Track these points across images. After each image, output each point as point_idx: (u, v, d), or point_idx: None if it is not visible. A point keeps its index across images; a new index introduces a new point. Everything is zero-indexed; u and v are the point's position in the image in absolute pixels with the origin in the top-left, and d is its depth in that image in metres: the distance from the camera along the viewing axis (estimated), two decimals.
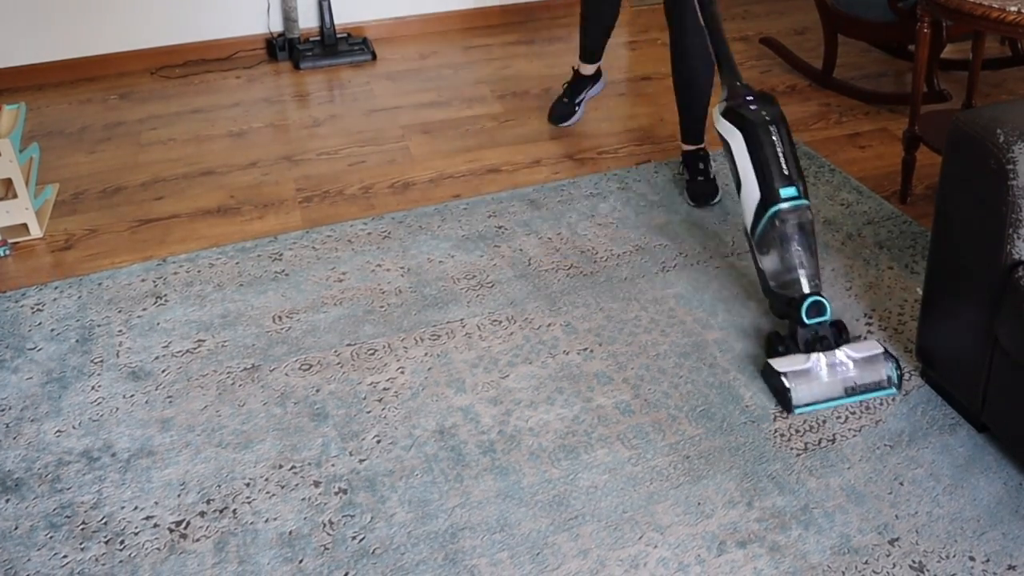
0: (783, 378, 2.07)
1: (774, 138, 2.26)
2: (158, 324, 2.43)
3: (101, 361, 2.30)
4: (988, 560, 1.73)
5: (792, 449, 1.98)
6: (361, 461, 1.99)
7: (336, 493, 1.92)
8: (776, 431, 2.03)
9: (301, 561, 1.77)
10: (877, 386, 2.10)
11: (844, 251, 2.62)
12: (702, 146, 2.95)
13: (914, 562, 1.74)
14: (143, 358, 2.31)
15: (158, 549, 1.81)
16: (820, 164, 3.07)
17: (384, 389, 2.18)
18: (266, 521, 1.86)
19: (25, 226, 2.85)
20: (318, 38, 4.13)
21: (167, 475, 1.97)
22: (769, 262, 2.24)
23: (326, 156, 3.27)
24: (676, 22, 2.76)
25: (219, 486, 1.94)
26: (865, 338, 2.27)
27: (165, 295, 2.54)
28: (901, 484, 1.89)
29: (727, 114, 2.35)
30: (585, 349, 2.29)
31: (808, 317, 2.13)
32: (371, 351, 2.31)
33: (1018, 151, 1.71)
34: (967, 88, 3.20)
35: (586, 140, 3.31)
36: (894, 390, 2.11)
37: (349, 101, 3.70)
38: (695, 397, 2.13)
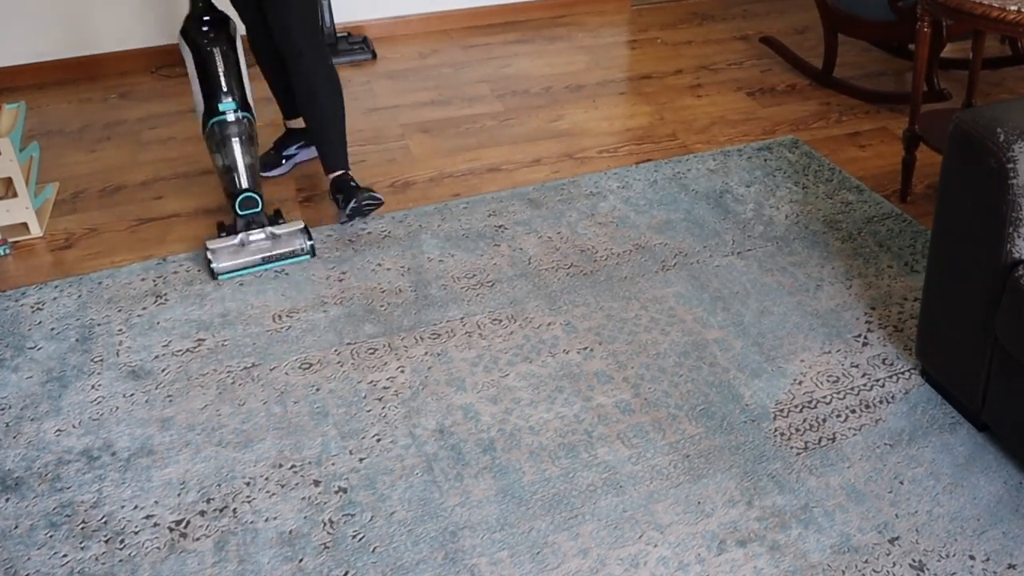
0: (207, 252, 2.57)
1: (217, 59, 2.61)
2: (158, 323, 2.43)
3: (101, 360, 2.30)
4: (988, 559, 1.73)
5: (792, 448, 1.98)
6: (361, 460, 1.99)
7: (336, 492, 1.92)
8: (776, 430, 2.03)
9: (301, 560, 1.77)
10: (292, 254, 2.62)
11: (844, 250, 2.63)
12: (345, 171, 2.84)
13: (914, 561, 1.74)
14: (143, 357, 2.31)
15: (158, 548, 1.81)
16: (820, 163, 3.07)
17: (384, 388, 2.18)
18: (266, 520, 1.86)
19: (25, 225, 2.85)
20: None
21: (167, 474, 1.97)
22: (217, 160, 2.65)
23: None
24: (287, 47, 2.67)
25: (219, 485, 1.94)
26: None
27: (165, 294, 2.54)
28: (901, 483, 1.89)
29: (183, 34, 2.67)
30: (585, 348, 2.29)
31: (241, 209, 2.61)
32: (371, 350, 2.31)
33: (1018, 150, 1.71)
34: (967, 87, 3.20)
35: (586, 139, 3.31)
36: (306, 257, 2.62)
37: (349, 100, 3.69)
38: (695, 396, 2.13)
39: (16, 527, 1.86)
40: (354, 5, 4.22)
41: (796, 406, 2.09)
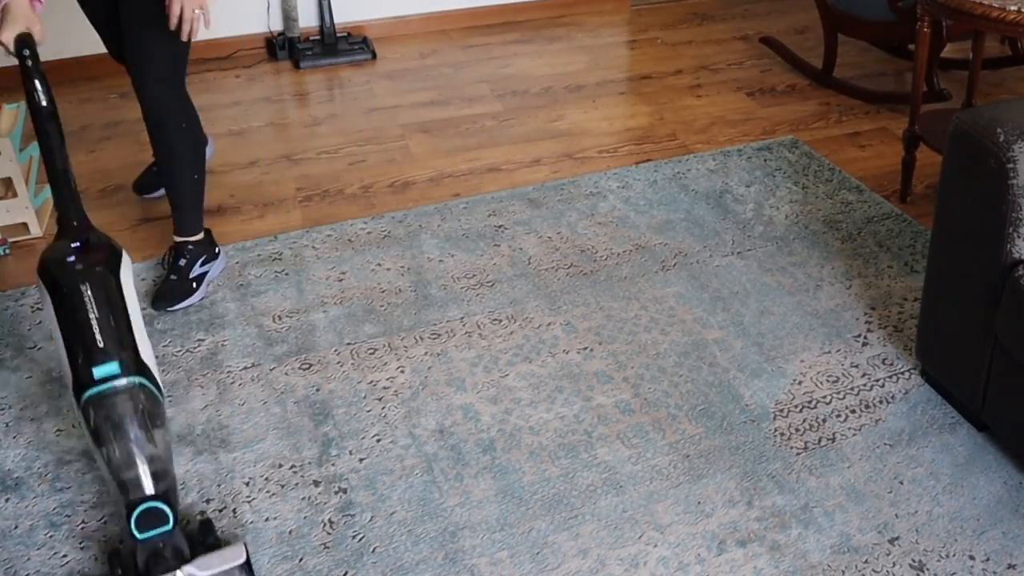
0: None
1: (87, 299, 1.70)
2: (157, 323, 2.42)
3: None
4: (988, 559, 1.73)
5: (792, 448, 1.98)
6: (361, 460, 1.99)
7: (336, 492, 1.92)
8: (776, 430, 2.03)
9: (301, 560, 1.77)
10: None
11: (844, 250, 2.63)
12: (192, 240, 2.49)
13: (914, 561, 1.74)
14: None
15: None
16: (820, 163, 3.07)
17: (384, 388, 2.18)
18: (266, 520, 1.86)
19: (25, 225, 2.85)
20: (318, 37, 4.13)
21: None
22: (100, 457, 1.67)
23: (326, 155, 3.27)
24: (139, 93, 2.36)
25: (219, 485, 1.94)
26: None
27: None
28: (901, 483, 1.89)
29: (41, 272, 1.78)
30: (585, 348, 2.29)
31: (140, 529, 1.62)
32: (371, 350, 2.31)
33: (1018, 150, 1.71)
34: (967, 87, 3.20)
35: (586, 139, 3.31)
36: None
37: (349, 100, 3.70)
38: (695, 396, 2.13)
39: (16, 527, 1.86)
40: (354, 5, 4.22)
41: (796, 406, 2.09)
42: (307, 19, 4.16)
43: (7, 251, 2.76)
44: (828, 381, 2.16)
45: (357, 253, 2.69)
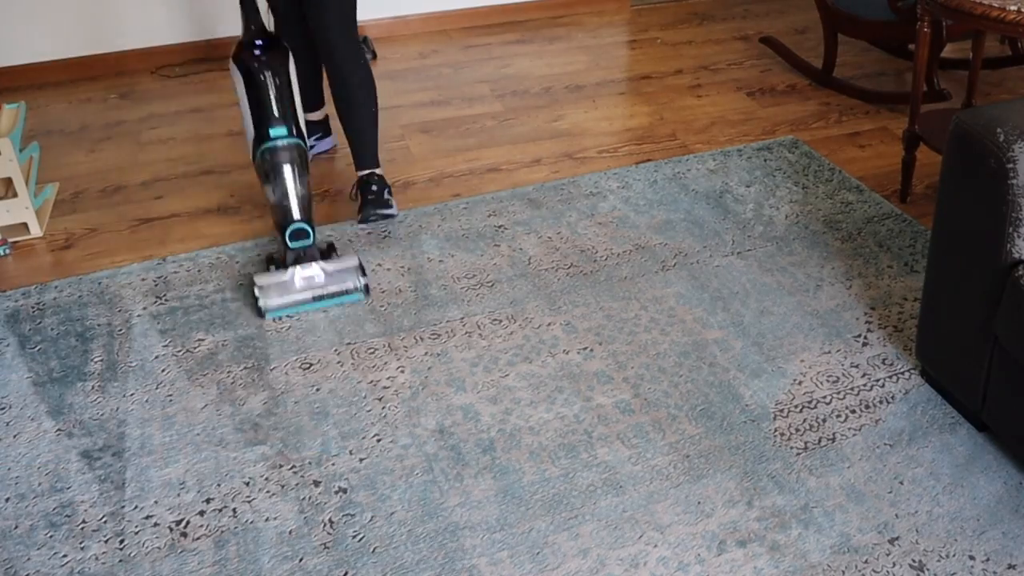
0: (255, 289, 2.39)
1: (269, 84, 2.47)
2: (158, 323, 2.42)
3: (101, 360, 2.30)
4: (988, 559, 1.73)
5: (792, 448, 1.98)
6: (361, 460, 1.99)
7: (336, 492, 1.92)
8: (776, 430, 2.03)
9: (301, 560, 1.77)
10: (344, 292, 2.43)
11: (844, 250, 2.63)
12: (374, 171, 2.83)
13: (914, 561, 1.74)
14: (143, 357, 2.31)
15: (158, 548, 1.81)
16: (820, 163, 3.07)
17: (384, 388, 2.18)
18: (266, 520, 1.86)
19: (25, 225, 2.85)
20: None
21: (167, 474, 1.97)
22: (268, 190, 2.48)
23: (326, 155, 3.27)
24: (324, 47, 2.68)
25: (219, 485, 1.94)
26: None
27: (165, 294, 2.54)
28: (901, 483, 1.89)
29: (234, 57, 2.51)
30: (585, 348, 2.29)
31: (291, 240, 2.44)
32: (371, 350, 2.31)
33: (1018, 150, 1.71)
34: (967, 87, 3.20)
35: (586, 139, 3.31)
36: (359, 296, 2.45)
37: None
38: (695, 396, 2.13)
39: (16, 527, 1.86)
40: None
41: (796, 406, 2.09)
42: None
43: (7, 251, 2.76)
44: (828, 381, 2.16)
45: (357, 253, 2.69)
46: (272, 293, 2.39)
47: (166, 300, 2.51)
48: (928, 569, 1.72)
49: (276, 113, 2.47)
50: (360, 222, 2.81)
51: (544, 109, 3.55)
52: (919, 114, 2.80)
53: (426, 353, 2.29)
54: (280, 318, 2.40)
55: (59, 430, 2.10)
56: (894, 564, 1.73)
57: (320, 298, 2.42)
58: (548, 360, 2.25)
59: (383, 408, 2.13)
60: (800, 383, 2.16)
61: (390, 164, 3.19)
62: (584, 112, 3.51)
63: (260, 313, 2.39)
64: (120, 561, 1.78)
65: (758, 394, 2.13)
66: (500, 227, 2.79)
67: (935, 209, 1.95)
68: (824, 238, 2.68)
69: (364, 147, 2.81)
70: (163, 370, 2.26)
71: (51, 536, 1.84)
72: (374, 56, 4.07)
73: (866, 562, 1.73)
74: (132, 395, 2.19)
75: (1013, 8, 2.30)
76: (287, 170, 2.46)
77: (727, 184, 2.97)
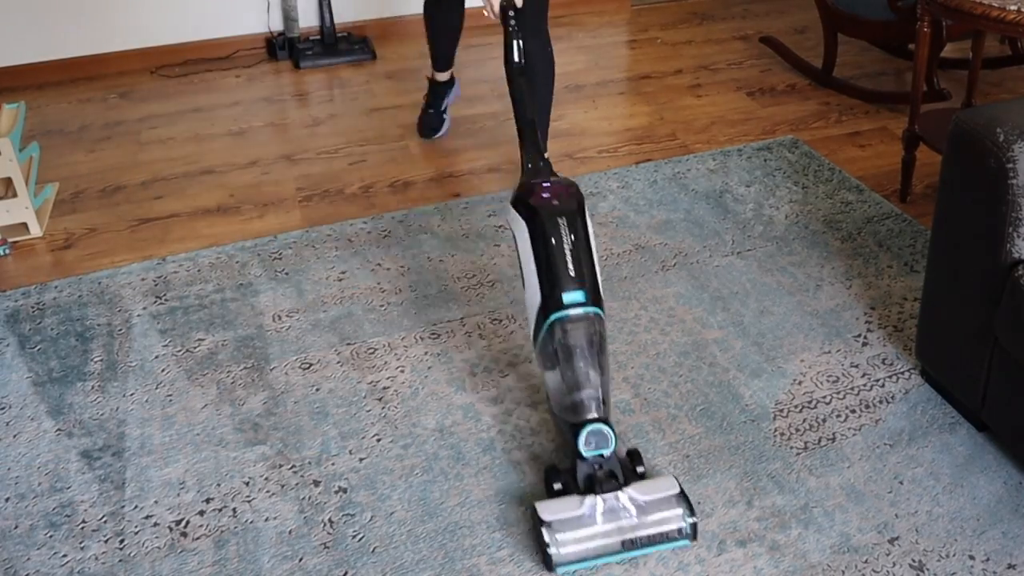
0: (543, 530, 1.69)
1: (563, 232, 1.89)
2: (158, 323, 2.43)
3: (101, 360, 2.30)
4: (988, 559, 1.73)
5: (792, 448, 1.98)
6: (361, 460, 1.99)
7: (336, 492, 1.92)
8: (776, 430, 2.03)
9: (301, 559, 1.77)
10: (665, 538, 1.72)
11: (844, 250, 2.63)
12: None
13: (914, 561, 1.74)
14: (143, 357, 2.31)
15: (158, 548, 1.81)
16: (820, 163, 3.07)
17: (384, 388, 2.18)
18: (266, 520, 1.86)
19: (25, 225, 2.85)
20: (318, 37, 4.13)
21: (167, 474, 1.97)
22: (551, 379, 1.86)
23: (326, 155, 3.27)
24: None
25: (219, 485, 1.94)
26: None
27: (165, 294, 2.54)
28: (901, 483, 1.89)
29: (516, 203, 1.99)
30: None
31: (586, 448, 1.76)
32: (371, 350, 2.31)
33: (1018, 150, 1.71)
34: (967, 87, 3.20)
35: (586, 139, 3.31)
36: (687, 542, 1.74)
37: (349, 100, 3.70)
38: (695, 396, 2.13)
39: (16, 527, 1.86)
40: (354, 5, 4.22)
41: (796, 406, 2.09)
42: (307, 19, 4.16)
43: (7, 251, 2.76)
44: (828, 381, 2.16)
45: (357, 253, 2.69)
46: (566, 536, 1.70)
47: (166, 300, 2.51)
48: (928, 569, 1.72)
49: (573, 272, 1.86)
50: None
51: None
52: (919, 114, 2.80)
53: (426, 353, 2.29)
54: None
55: (59, 430, 2.10)
56: (894, 564, 1.73)
57: (632, 546, 1.71)
58: None
59: (383, 408, 2.13)
60: (800, 383, 2.16)
61: (390, 164, 3.20)
62: (584, 112, 3.51)
63: (549, 566, 1.70)
64: (120, 561, 1.78)
65: (758, 394, 2.13)
66: (500, 227, 2.79)
67: (935, 209, 1.95)
68: (824, 238, 2.68)
69: (543, 128, 2.84)
70: (163, 370, 2.26)
71: (51, 536, 1.84)
72: (373, 56, 4.07)
73: (866, 562, 1.73)
74: (132, 395, 2.19)
75: (1013, 8, 2.30)
76: (583, 350, 1.82)
77: (727, 184, 2.97)
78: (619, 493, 1.73)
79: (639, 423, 2.06)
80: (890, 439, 2.00)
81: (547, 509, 1.72)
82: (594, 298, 1.86)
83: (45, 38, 3.86)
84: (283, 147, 3.34)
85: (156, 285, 2.58)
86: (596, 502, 1.72)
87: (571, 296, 1.84)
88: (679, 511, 1.73)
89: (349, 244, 2.73)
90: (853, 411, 2.08)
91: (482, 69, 3.93)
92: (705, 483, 1.91)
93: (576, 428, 1.77)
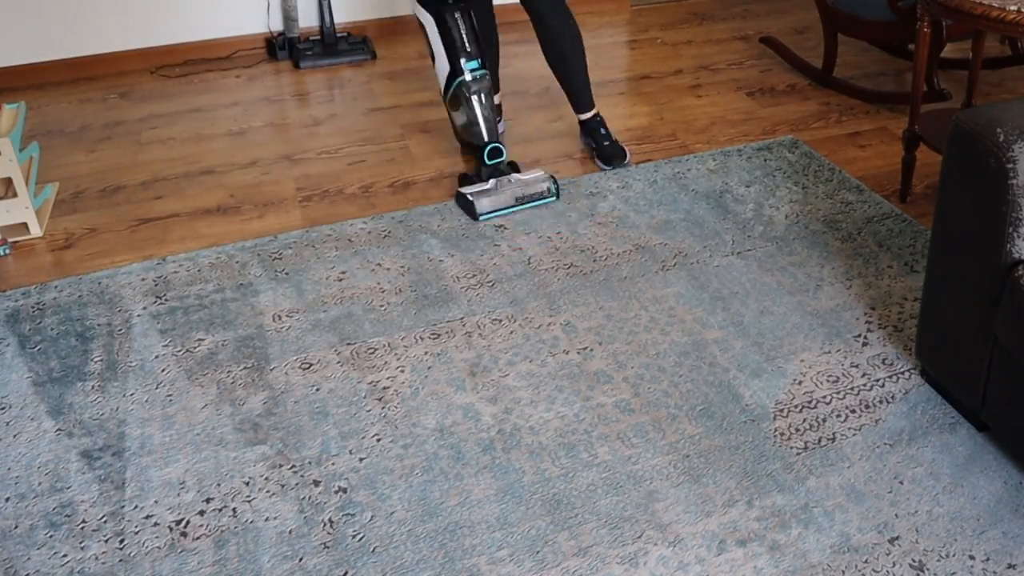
0: (468, 196, 2.75)
1: (459, 21, 2.82)
2: (158, 323, 2.43)
3: (101, 360, 2.30)
4: (988, 559, 1.73)
5: (792, 448, 1.98)
6: (361, 460, 1.99)
7: (336, 492, 1.92)
8: (776, 430, 2.03)
9: (301, 559, 1.77)
10: (540, 195, 2.83)
11: (844, 250, 2.63)
12: (595, 112, 3.16)
13: (914, 561, 1.74)
14: (143, 357, 2.31)
15: (158, 548, 1.81)
16: (820, 163, 3.07)
17: (384, 388, 2.18)
18: (266, 520, 1.86)
19: (25, 225, 2.85)
20: (318, 37, 4.13)
21: (167, 474, 1.97)
22: (458, 117, 2.94)
23: (326, 155, 3.27)
24: (531, 10, 2.97)
25: (219, 485, 1.94)
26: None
27: (165, 294, 2.54)
28: (901, 483, 1.89)
29: (422, 3, 2.86)
30: (585, 348, 2.29)
31: (489, 159, 2.85)
32: (371, 350, 2.31)
33: (1018, 150, 1.71)
34: (967, 87, 3.20)
35: None
36: (554, 197, 2.85)
37: (349, 100, 3.70)
38: (695, 396, 2.13)
39: (16, 527, 1.86)
40: (354, 5, 4.22)
41: (796, 406, 2.09)
42: (307, 19, 4.16)
43: (7, 251, 2.76)
44: (828, 381, 2.16)
45: (357, 253, 2.69)
46: (483, 199, 2.74)
47: (166, 300, 2.51)
48: (928, 569, 1.72)
49: (469, 48, 2.82)
50: (605, 166, 3.09)
51: (544, 109, 3.55)
52: (919, 114, 2.80)
53: (426, 353, 2.29)
54: (489, 221, 2.72)
55: (59, 430, 2.10)
56: (894, 564, 1.73)
57: (522, 201, 2.79)
58: (548, 360, 2.25)
59: (383, 408, 2.13)
60: (800, 383, 2.16)
61: (390, 164, 3.20)
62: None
63: (475, 216, 2.74)
64: (120, 561, 1.78)
65: (758, 394, 2.13)
66: (500, 227, 2.79)
67: (935, 209, 1.95)
68: (824, 238, 2.68)
69: (582, 91, 3.11)
70: (163, 370, 2.26)
71: (51, 536, 1.84)
72: (373, 56, 4.07)
73: (866, 562, 1.73)
74: (132, 395, 2.19)
75: (1013, 8, 2.30)
76: (483, 98, 2.84)
77: (727, 184, 2.97)
78: (509, 176, 2.86)
79: (639, 423, 2.06)
80: (890, 439, 2.00)
81: (467, 189, 2.81)
82: (484, 63, 2.87)
83: (45, 38, 3.86)
84: (283, 147, 3.34)
85: (156, 285, 2.58)
86: (495, 180, 2.83)
87: (470, 64, 2.85)
88: (548, 182, 2.85)
89: (349, 244, 2.73)
90: (853, 411, 2.08)
91: None
92: (705, 483, 1.91)
93: (481, 147, 2.88)
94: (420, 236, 2.76)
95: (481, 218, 2.73)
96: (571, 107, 3.18)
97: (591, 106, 3.15)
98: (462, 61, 2.83)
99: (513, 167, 2.94)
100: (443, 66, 2.87)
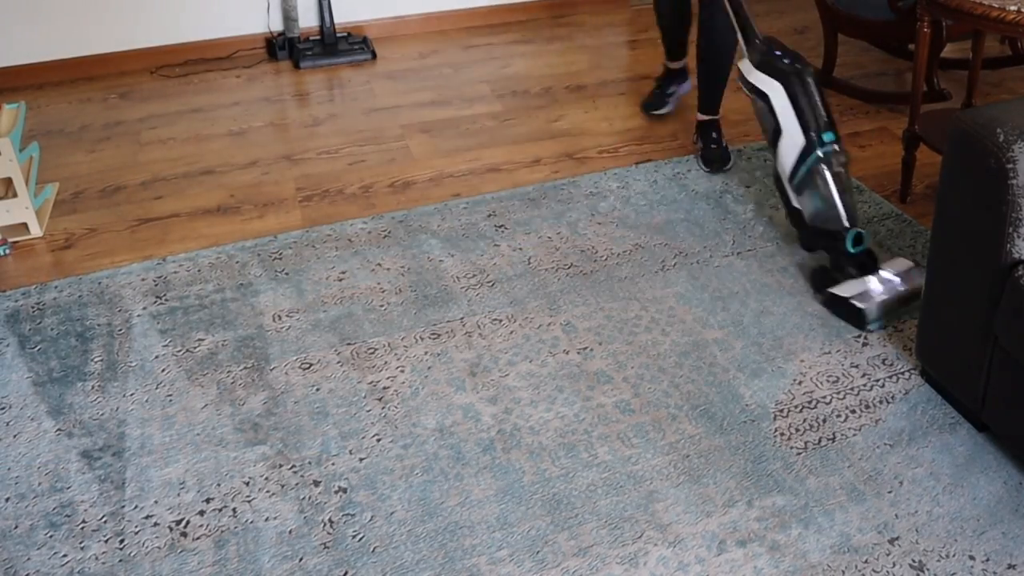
0: (852, 301, 2.29)
1: (811, 88, 2.44)
2: (158, 323, 2.43)
3: (101, 360, 2.30)
4: (988, 559, 1.73)
5: (792, 448, 1.98)
6: (361, 460, 1.99)
7: (336, 492, 1.92)
8: (776, 430, 2.03)
9: (301, 559, 1.77)
10: (919, 291, 2.32)
11: None
12: (718, 116, 3.12)
13: (914, 561, 1.74)
14: (143, 357, 2.31)
15: (158, 548, 1.81)
16: None
17: (384, 388, 2.18)
18: (266, 520, 1.86)
19: (25, 225, 2.85)
20: (318, 37, 4.13)
21: (167, 474, 1.97)
22: (809, 202, 2.43)
23: (326, 155, 3.27)
24: (706, 10, 2.91)
25: (219, 485, 1.94)
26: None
27: (165, 294, 2.54)
28: (901, 483, 1.89)
29: (762, 67, 2.51)
30: (585, 348, 2.29)
31: (853, 247, 2.35)
32: (371, 350, 2.31)
33: (1018, 150, 1.71)
34: (967, 87, 3.20)
35: (586, 139, 3.31)
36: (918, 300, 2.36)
37: (349, 100, 3.70)
38: (695, 396, 2.13)
39: (16, 527, 1.86)
40: (354, 5, 4.23)
41: (796, 406, 2.09)
42: (307, 19, 4.16)
43: (7, 251, 2.76)
44: (828, 381, 2.16)
45: (357, 253, 2.69)
46: (869, 303, 2.28)
47: (166, 300, 2.51)
48: (928, 569, 1.72)
49: (827, 116, 2.43)
50: (705, 168, 3.04)
51: (544, 109, 3.55)
52: (919, 114, 2.80)
53: (426, 353, 2.29)
54: (878, 328, 2.31)
55: (59, 430, 2.10)
56: (894, 564, 1.73)
57: (905, 300, 2.34)
58: (548, 360, 2.25)
59: (383, 408, 2.13)
60: (800, 383, 2.16)
61: (390, 164, 3.20)
62: (584, 112, 3.51)
63: (863, 325, 2.29)
64: (120, 561, 1.78)
65: (758, 394, 2.13)
66: (500, 227, 2.79)
67: (935, 209, 1.95)
68: None
69: (710, 95, 3.05)
70: (163, 370, 2.26)
71: (51, 536, 1.84)
72: (373, 56, 4.07)
73: (866, 562, 1.73)
74: (132, 395, 2.19)
75: (1013, 8, 2.30)
76: (842, 175, 2.41)
77: (727, 184, 2.97)
78: (880, 271, 2.37)
79: (639, 423, 2.06)
80: (890, 439, 2.00)
81: (842, 290, 2.34)
82: (839, 136, 2.45)
83: (45, 38, 3.86)
84: (283, 147, 3.34)
85: (156, 285, 2.58)
86: (871, 278, 2.34)
87: (828, 136, 2.41)
88: (918, 272, 2.37)
89: (349, 244, 2.73)
90: (853, 411, 2.08)
91: (482, 69, 3.93)
92: (705, 483, 1.91)
93: (842, 234, 2.37)
94: (420, 236, 2.76)
95: (871, 327, 2.29)
96: (697, 104, 3.12)
97: (714, 111, 3.11)
98: (817, 132, 2.40)
99: (871, 256, 2.43)
100: (794, 141, 2.42)
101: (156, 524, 1.86)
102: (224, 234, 2.82)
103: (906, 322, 2.33)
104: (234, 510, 1.88)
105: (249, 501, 1.90)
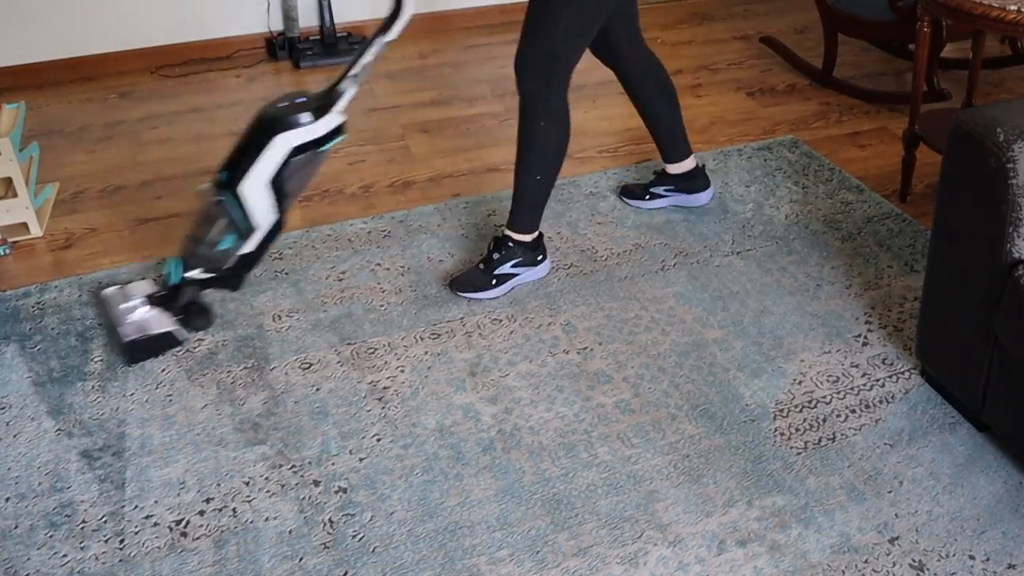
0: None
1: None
2: None
3: (101, 360, 2.30)
4: (988, 559, 1.73)
5: (792, 448, 1.98)
6: (361, 460, 1.99)
7: (336, 492, 1.92)
8: (776, 430, 2.03)
9: (301, 559, 1.77)
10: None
11: (844, 250, 2.63)
12: (516, 236, 2.51)
13: (914, 561, 1.74)
14: None
15: (158, 548, 1.81)
16: (820, 163, 3.07)
17: (384, 388, 2.18)
18: (266, 520, 1.86)
19: (25, 225, 2.85)
20: (318, 37, 4.13)
21: (167, 474, 1.97)
22: (202, 237, 2.32)
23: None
24: (631, 51, 2.81)
25: (219, 485, 1.94)
26: (865, 339, 2.28)
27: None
28: (901, 483, 1.89)
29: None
30: (585, 348, 2.29)
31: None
32: (371, 350, 2.31)
33: (1018, 150, 1.71)
34: (967, 87, 3.20)
35: (586, 139, 3.31)
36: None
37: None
38: (695, 396, 2.13)
39: (16, 527, 1.86)
40: (354, 5, 4.22)
41: (796, 406, 2.09)
42: (307, 19, 4.16)
43: (7, 251, 2.76)
44: (828, 381, 2.16)
45: (357, 253, 2.69)
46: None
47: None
48: (928, 569, 1.72)
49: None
50: (449, 286, 2.51)
51: None
52: (919, 114, 2.80)
53: (426, 352, 2.29)
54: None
55: (59, 430, 2.10)
56: (894, 564, 1.73)
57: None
58: (548, 360, 2.25)
59: (383, 408, 2.13)
60: (800, 383, 2.16)
61: (390, 164, 3.20)
62: (584, 112, 3.51)
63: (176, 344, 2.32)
64: (120, 561, 1.78)
65: (758, 394, 2.13)
66: (500, 227, 2.79)
67: (935, 209, 1.95)
68: (824, 238, 2.68)
69: (517, 205, 2.50)
70: (163, 370, 2.26)
71: (51, 536, 1.84)
72: None
73: (866, 562, 1.73)
74: (132, 395, 2.19)
75: (1013, 8, 2.30)
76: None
77: (727, 184, 2.97)
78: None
79: (639, 423, 2.06)
80: (890, 439, 2.00)
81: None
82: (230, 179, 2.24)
83: (45, 38, 3.86)
84: None
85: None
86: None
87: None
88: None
89: (349, 244, 2.73)
90: (853, 411, 2.08)
91: (482, 69, 3.93)
92: (705, 483, 1.91)
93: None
94: (420, 236, 2.76)
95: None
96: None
97: (522, 228, 2.51)
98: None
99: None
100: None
101: (156, 524, 1.86)
102: None
103: (906, 322, 2.34)
104: (234, 510, 1.88)
105: (249, 501, 1.90)
